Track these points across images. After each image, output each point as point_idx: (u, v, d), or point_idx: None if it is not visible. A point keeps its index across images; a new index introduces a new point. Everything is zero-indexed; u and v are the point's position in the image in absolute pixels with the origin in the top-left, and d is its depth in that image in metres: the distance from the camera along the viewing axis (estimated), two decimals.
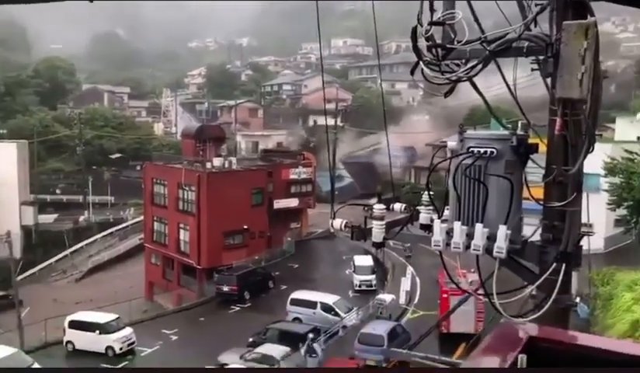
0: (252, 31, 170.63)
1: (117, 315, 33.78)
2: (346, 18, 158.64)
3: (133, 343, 32.36)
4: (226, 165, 47.95)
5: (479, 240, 4.77)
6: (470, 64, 4.84)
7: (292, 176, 52.66)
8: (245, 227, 45.34)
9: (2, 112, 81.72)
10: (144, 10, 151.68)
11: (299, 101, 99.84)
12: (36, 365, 28.23)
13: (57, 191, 71.59)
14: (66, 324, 32.92)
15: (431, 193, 5.29)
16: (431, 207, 5.41)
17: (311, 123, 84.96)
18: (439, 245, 4.99)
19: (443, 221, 5.03)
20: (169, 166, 50.07)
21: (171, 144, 79.10)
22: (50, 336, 33.60)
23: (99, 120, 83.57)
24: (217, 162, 47.58)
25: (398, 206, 5.86)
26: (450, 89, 5.17)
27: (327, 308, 34.11)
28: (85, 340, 32.10)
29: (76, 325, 32.78)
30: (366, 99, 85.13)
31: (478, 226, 4.81)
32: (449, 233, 4.97)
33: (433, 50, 4.99)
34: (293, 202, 51.49)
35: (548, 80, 4.81)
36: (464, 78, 4.97)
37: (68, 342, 32.64)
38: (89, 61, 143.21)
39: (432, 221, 5.29)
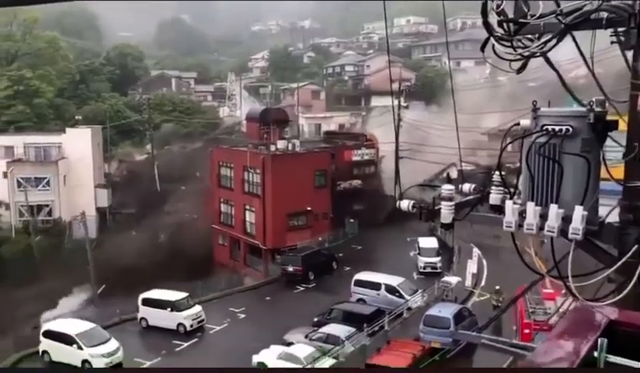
0: (314, 13, 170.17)
1: (187, 294, 34.85)
2: None
3: (202, 320, 33.38)
4: (289, 148, 48.42)
5: (554, 221, 4.62)
6: (544, 39, 4.66)
7: (355, 158, 52.58)
8: (309, 208, 45.74)
9: (77, 99, 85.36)
10: None
11: (361, 82, 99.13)
12: (112, 340, 29.62)
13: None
14: (140, 301, 34.34)
15: (502, 173, 5.16)
16: (502, 188, 5.27)
17: (373, 103, 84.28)
18: (511, 227, 4.87)
19: (515, 202, 4.89)
20: (235, 149, 51.03)
21: (230, 128, 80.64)
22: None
23: (168, 105, 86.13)
24: (280, 144, 48.14)
25: (467, 186, 5.75)
26: (522, 65, 5.00)
27: (391, 290, 34.05)
28: (157, 317, 33.37)
29: (149, 302, 34.12)
30: (429, 78, 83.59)
31: (553, 207, 4.65)
32: (521, 214, 4.84)
33: (505, 26, 4.84)
34: (355, 183, 51.47)
35: (629, 54, 4.57)
36: (538, 54, 4.80)
37: (142, 318, 34.07)
38: (157, 47, 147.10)
39: (503, 201, 5.16)
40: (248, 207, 47.19)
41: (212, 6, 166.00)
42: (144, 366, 29.05)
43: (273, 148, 47.48)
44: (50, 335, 30.12)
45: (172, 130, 79.84)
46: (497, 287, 31.20)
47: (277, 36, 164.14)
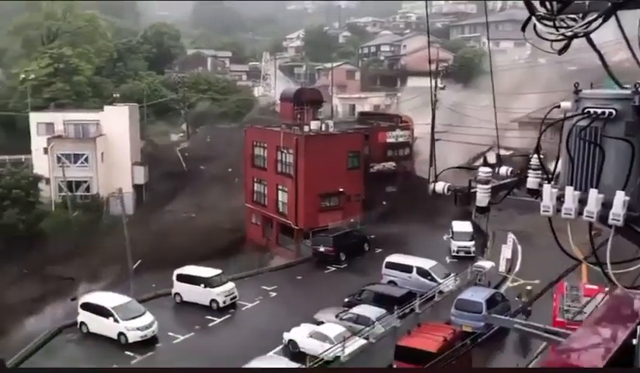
0: None
1: (220, 271, 35.36)
2: None
3: (235, 297, 33.89)
4: (323, 129, 48.35)
5: (593, 206, 4.51)
6: (588, 19, 4.51)
7: (389, 140, 52.20)
8: (341, 189, 45.73)
9: (115, 77, 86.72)
10: None
11: (397, 62, 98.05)
12: (147, 314, 30.34)
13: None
14: (174, 277, 35.04)
15: (541, 156, 5.04)
16: (540, 171, 5.16)
17: (409, 84, 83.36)
18: (548, 211, 4.77)
19: (553, 186, 4.79)
20: (269, 129, 51.22)
21: (264, 108, 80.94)
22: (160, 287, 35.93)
23: (203, 84, 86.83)
24: (314, 125, 48.09)
25: (504, 170, 5.65)
26: (564, 46, 4.85)
27: (423, 273, 33.95)
28: (191, 293, 34.02)
29: (183, 278, 34.79)
30: (467, 59, 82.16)
31: (593, 191, 4.54)
32: (559, 199, 4.74)
33: (547, 4, 4.69)
34: (389, 165, 51.17)
35: None
36: (581, 34, 4.65)
37: (176, 294, 34.78)
38: (193, 26, 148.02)
39: (541, 185, 5.05)
40: (280, 187, 47.45)
41: None
42: (178, 341, 29.72)
43: (306, 128, 47.48)
44: (88, 307, 30.90)
45: (207, 110, 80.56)
46: (528, 288, 30.27)
47: (313, 15, 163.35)
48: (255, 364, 24.09)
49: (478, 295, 28.05)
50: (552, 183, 4.99)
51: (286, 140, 46.27)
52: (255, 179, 50.98)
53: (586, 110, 4.63)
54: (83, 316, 30.93)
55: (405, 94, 75.84)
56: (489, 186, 5.31)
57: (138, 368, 28.38)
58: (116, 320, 29.54)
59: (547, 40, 4.65)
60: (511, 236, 38.03)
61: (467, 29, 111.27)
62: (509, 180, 5.57)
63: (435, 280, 33.18)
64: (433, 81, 50.25)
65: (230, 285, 34.20)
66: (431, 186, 5.73)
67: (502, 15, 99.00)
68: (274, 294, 35.60)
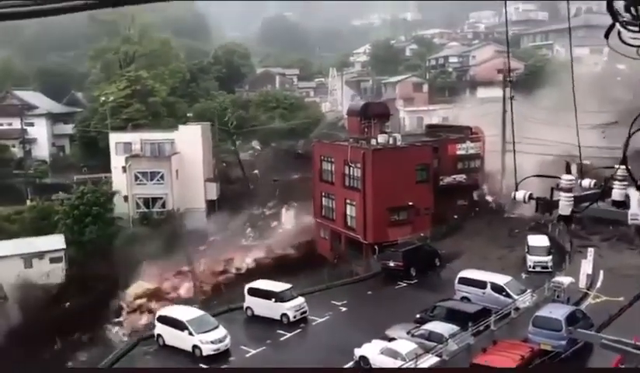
0: (417, 5, 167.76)
1: (291, 285, 35.57)
2: None
3: (305, 311, 33.94)
4: (390, 142, 48.11)
5: None
6: None
7: (459, 152, 51.30)
8: (410, 203, 45.22)
9: (188, 97, 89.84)
10: None
11: (466, 73, 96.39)
12: (221, 328, 30.90)
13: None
14: (246, 291, 35.58)
15: (629, 166, 4.79)
16: (626, 183, 4.91)
17: (479, 95, 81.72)
18: (636, 219, 4.53)
19: None
20: (336, 144, 51.47)
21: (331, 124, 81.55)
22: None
23: (272, 102, 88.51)
24: (381, 138, 47.97)
25: (586, 182, 5.41)
26: None
27: (498, 289, 32.90)
28: (262, 307, 34.42)
29: (254, 292, 35.23)
30: (539, 67, 79.68)
31: None
32: None
33: (632, 9, 4.49)
34: (460, 178, 50.24)
35: None
36: None
37: (248, 308, 35.26)
38: (261, 44, 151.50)
39: (627, 197, 4.81)
40: (349, 201, 47.46)
41: (314, 3, 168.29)
42: (250, 355, 30.05)
43: (373, 142, 47.38)
44: (164, 320, 31.73)
45: (277, 127, 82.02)
46: None
47: (379, 29, 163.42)
48: None
49: (557, 312, 26.85)
50: None
51: (354, 154, 46.33)
52: (324, 194, 51.25)
53: None
54: (160, 329, 31.84)
55: (474, 105, 74.37)
56: (572, 194, 5.10)
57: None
58: (190, 333, 30.23)
59: (633, 46, 4.45)
60: (591, 250, 36.30)
61: (538, 37, 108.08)
62: (592, 191, 5.34)
63: (510, 297, 32.08)
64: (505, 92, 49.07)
65: (300, 300, 34.31)
66: (512, 194, 5.59)
67: (577, 20, 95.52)
68: (344, 309, 35.44)
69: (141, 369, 30.21)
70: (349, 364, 27.36)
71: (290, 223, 57.81)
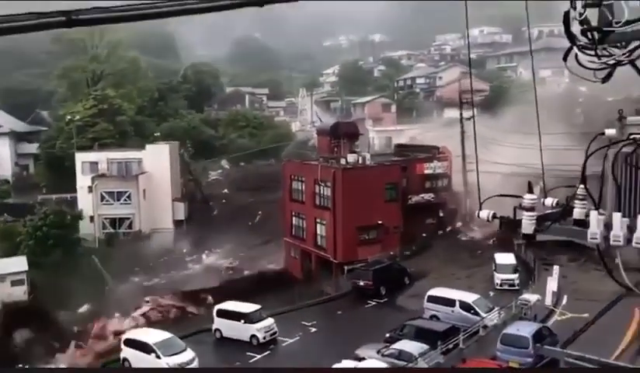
0: (385, 27, 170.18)
1: (260, 306, 35.26)
2: (482, 6, 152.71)
3: (275, 333, 33.65)
4: (360, 161, 48.47)
5: None
6: (631, 46, 4.48)
7: (427, 171, 51.91)
8: (380, 222, 45.48)
9: (157, 116, 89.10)
10: (279, 13, 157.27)
11: (433, 94, 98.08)
12: (188, 350, 30.40)
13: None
14: (214, 313, 35.12)
15: (587, 186, 4.97)
16: (586, 202, 5.08)
17: (446, 115, 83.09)
18: (596, 239, 4.67)
19: (600, 213, 4.70)
20: (306, 163, 51.58)
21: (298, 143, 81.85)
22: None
23: (241, 121, 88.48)
24: (351, 158, 48.28)
25: (549, 200, 5.57)
26: (607, 74, 4.82)
27: (466, 307, 33.17)
28: (231, 328, 34.00)
29: (223, 314, 34.81)
30: (504, 88, 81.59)
31: None
32: (607, 226, 4.64)
33: (588, 34, 4.68)
34: (428, 197, 50.78)
35: None
36: (625, 62, 4.61)
37: (216, 330, 34.79)
38: (231, 64, 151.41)
39: (587, 216, 4.97)
40: (319, 220, 47.50)
41: (283, 24, 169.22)
42: None
43: (343, 161, 47.67)
44: (131, 343, 31.12)
45: (246, 146, 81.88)
46: None
47: (348, 50, 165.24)
48: None
49: (525, 330, 27.19)
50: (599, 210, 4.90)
51: (324, 173, 46.49)
52: (294, 213, 51.19)
53: (631, 136, 4.57)
54: (126, 352, 31.14)
55: (442, 124, 75.50)
56: (535, 213, 5.25)
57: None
58: (157, 356, 29.65)
59: (589, 69, 4.63)
60: (556, 268, 36.95)
61: (503, 59, 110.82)
62: (554, 210, 5.50)
63: (478, 314, 32.38)
64: (469, 113, 50.04)
65: (269, 321, 34.03)
66: (476, 213, 5.71)
67: (539, 43, 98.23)
68: (314, 329, 35.27)
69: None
70: None
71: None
